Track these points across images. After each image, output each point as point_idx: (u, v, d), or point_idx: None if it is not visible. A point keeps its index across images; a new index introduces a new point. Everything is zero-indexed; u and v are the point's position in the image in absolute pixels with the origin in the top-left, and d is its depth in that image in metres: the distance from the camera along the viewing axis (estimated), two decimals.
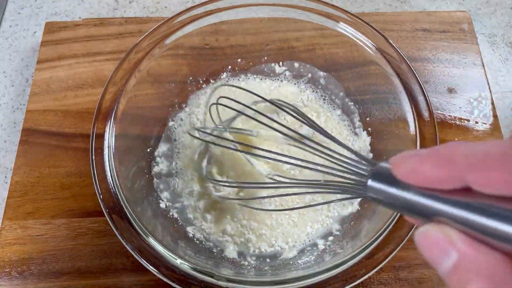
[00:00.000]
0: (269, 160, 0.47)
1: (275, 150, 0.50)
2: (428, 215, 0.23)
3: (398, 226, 0.43)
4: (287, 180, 0.44)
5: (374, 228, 0.44)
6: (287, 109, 0.43)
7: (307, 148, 0.39)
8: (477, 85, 0.61)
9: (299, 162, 0.38)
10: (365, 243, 0.42)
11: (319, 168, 0.35)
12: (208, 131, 0.51)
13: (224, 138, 0.50)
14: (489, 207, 0.20)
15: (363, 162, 0.29)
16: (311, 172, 0.44)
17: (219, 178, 0.51)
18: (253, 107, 0.48)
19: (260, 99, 0.45)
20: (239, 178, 0.52)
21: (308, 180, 0.38)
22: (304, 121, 0.41)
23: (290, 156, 0.39)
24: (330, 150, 0.35)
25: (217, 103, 0.49)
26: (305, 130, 0.54)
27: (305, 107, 0.57)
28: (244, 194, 0.51)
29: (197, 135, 0.52)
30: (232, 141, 0.50)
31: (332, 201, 0.39)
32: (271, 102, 0.45)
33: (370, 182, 0.26)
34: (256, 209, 0.49)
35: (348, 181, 0.31)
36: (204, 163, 0.53)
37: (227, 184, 0.50)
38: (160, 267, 0.42)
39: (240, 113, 0.47)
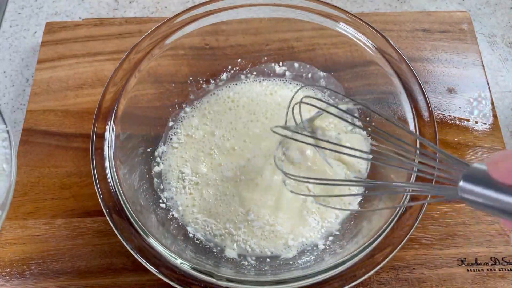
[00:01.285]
0: (347, 160, 0.49)
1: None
2: None
3: (398, 226, 0.43)
4: (370, 180, 0.44)
5: (374, 228, 0.44)
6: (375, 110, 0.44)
7: (392, 148, 0.38)
8: (477, 85, 0.61)
9: (384, 160, 0.38)
10: (365, 243, 0.42)
11: (408, 166, 0.35)
12: (290, 130, 0.51)
13: (304, 136, 0.50)
14: None
15: (454, 162, 0.29)
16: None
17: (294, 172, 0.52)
18: (339, 106, 0.48)
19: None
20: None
21: (395, 181, 0.37)
22: (390, 119, 0.41)
23: (374, 155, 0.39)
24: (420, 150, 0.34)
25: (300, 102, 0.49)
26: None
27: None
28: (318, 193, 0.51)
29: (280, 132, 0.51)
30: (312, 137, 0.51)
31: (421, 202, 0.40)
32: (355, 100, 0.46)
33: (462, 183, 0.26)
34: (333, 208, 0.50)
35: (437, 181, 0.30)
36: (282, 158, 0.53)
37: (305, 180, 0.49)
38: (160, 267, 0.42)
39: (324, 111, 0.48)
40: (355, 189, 0.52)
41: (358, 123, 0.55)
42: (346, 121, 0.48)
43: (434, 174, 0.32)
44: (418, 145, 0.44)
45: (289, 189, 0.51)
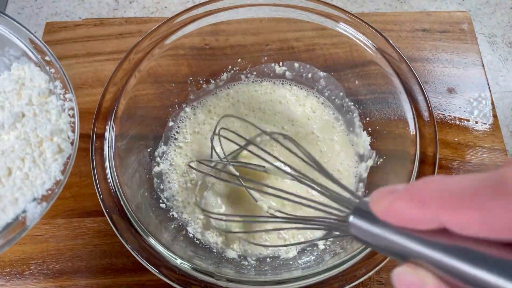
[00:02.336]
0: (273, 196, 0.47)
1: (273, 184, 0.49)
2: (405, 256, 0.22)
3: None
4: (280, 215, 0.44)
5: None
6: (285, 144, 0.42)
7: (304, 181, 0.37)
8: (477, 85, 0.61)
9: (296, 199, 0.36)
10: None
11: (308, 203, 0.34)
12: (212, 164, 0.50)
13: (227, 172, 0.49)
14: (463, 250, 0.19)
15: (351, 197, 0.27)
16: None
17: (217, 210, 0.50)
18: (258, 139, 0.47)
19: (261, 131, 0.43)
20: (239, 211, 0.51)
21: (297, 217, 0.36)
22: (303, 157, 0.39)
23: (289, 192, 0.38)
24: (320, 185, 0.32)
25: (219, 135, 0.48)
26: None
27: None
28: (245, 227, 0.50)
29: (198, 168, 0.51)
30: (235, 175, 0.49)
31: (321, 238, 0.41)
32: (271, 136, 0.43)
33: (351, 219, 0.24)
34: (256, 244, 0.49)
35: (333, 217, 0.28)
36: (204, 194, 0.51)
37: (221, 217, 0.49)
38: (160, 267, 0.42)
39: (242, 147, 0.46)
40: (278, 225, 0.48)
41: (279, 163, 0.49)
42: (264, 160, 0.44)
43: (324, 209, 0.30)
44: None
45: (213, 224, 0.50)
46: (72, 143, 0.43)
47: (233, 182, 0.49)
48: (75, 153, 0.43)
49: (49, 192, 0.40)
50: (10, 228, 0.39)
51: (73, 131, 0.43)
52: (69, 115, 0.43)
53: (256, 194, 0.50)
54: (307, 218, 0.33)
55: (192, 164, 0.52)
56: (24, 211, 0.39)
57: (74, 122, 0.43)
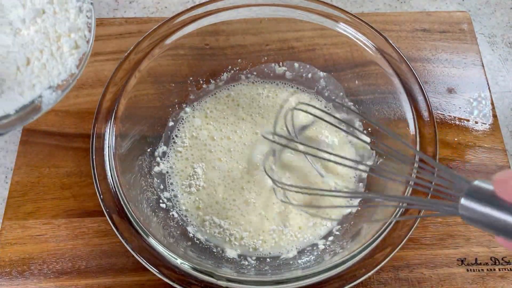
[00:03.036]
0: (338, 171, 0.48)
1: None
2: None
3: (398, 226, 0.43)
4: (363, 192, 0.45)
5: (374, 228, 0.44)
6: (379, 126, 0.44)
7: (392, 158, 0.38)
8: (476, 85, 0.61)
9: (383, 173, 0.37)
10: (365, 243, 0.42)
11: (405, 179, 0.34)
12: (283, 136, 0.52)
13: (293, 148, 0.50)
14: None
15: (454, 178, 0.28)
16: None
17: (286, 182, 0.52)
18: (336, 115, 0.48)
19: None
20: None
21: (390, 195, 0.37)
22: (387, 132, 0.40)
23: (372, 166, 0.39)
24: (419, 163, 0.33)
25: (294, 109, 0.49)
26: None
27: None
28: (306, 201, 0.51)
29: (271, 138, 0.52)
30: (304, 152, 0.50)
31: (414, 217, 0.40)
32: (363, 116, 0.46)
33: (463, 201, 0.25)
34: (323, 218, 0.50)
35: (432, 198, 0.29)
36: (272, 167, 0.53)
37: (297, 190, 0.49)
38: (160, 267, 0.42)
39: (320, 118, 0.48)
40: (345, 201, 0.51)
41: (356, 132, 0.55)
42: (343, 130, 0.46)
43: (431, 188, 0.32)
44: (417, 158, 0.44)
45: (278, 197, 0.50)
46: (88, 42, 0.44)
47: (301, 151, 0.49)
48: (90, 52, 0.44)
49: (64, 82, 0.42)
50: (26, 109, 0.41)
51: (90, 31, 0.45)
52: (87, 16, 0.45)
53: (323, 171, 0.51)
54: (401, 196, 0.33)
55: (265, 135, 0.53)
56: (40, 96, 0.41)
57: (90, 23, 0.45)
